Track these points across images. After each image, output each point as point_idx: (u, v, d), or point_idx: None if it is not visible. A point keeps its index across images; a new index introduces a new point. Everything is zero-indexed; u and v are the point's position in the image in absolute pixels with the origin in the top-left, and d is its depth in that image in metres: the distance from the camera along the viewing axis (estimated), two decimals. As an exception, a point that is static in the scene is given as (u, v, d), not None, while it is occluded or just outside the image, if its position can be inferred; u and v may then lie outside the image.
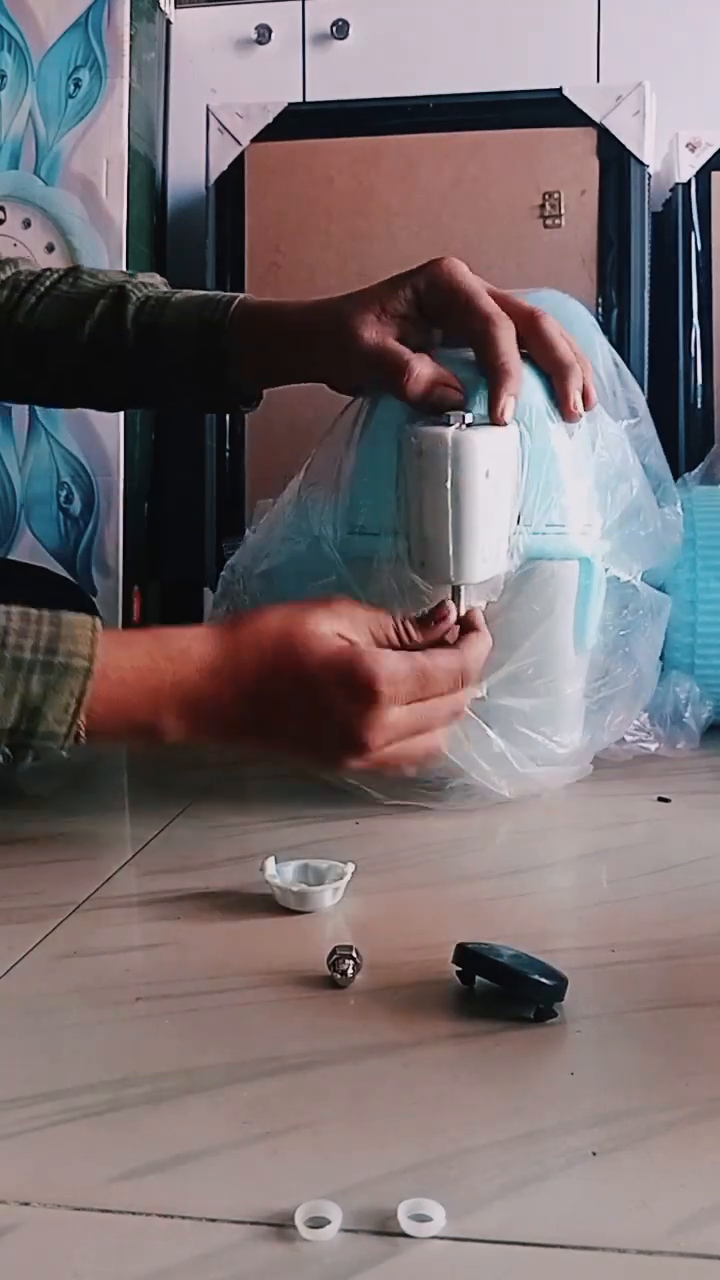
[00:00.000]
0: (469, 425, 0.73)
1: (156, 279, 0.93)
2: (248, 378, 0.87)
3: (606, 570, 0.85)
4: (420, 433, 0.73)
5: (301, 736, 0.68)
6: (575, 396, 0.79)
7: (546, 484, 0.78)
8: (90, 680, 0.61)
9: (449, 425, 0.72)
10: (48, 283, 0.91)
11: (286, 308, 0.86)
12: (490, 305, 0.77)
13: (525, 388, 0.77)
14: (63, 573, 1.45)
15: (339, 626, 0.67)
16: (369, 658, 0.66)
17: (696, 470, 1.14)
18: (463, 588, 0.73)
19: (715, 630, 0.99)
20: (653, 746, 0.94)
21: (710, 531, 1.01)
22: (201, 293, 0.89)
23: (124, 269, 0.94)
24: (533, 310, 0.78)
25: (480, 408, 0.75)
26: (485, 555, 0.74)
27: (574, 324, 1.09)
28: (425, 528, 0.73)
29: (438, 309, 0.79)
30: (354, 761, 0.68)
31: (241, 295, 0.87)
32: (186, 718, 0.65)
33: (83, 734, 0.62)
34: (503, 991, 0.53)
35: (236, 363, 0.85)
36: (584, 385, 0.81)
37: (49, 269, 0.93)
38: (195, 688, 0.64)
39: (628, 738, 0.93)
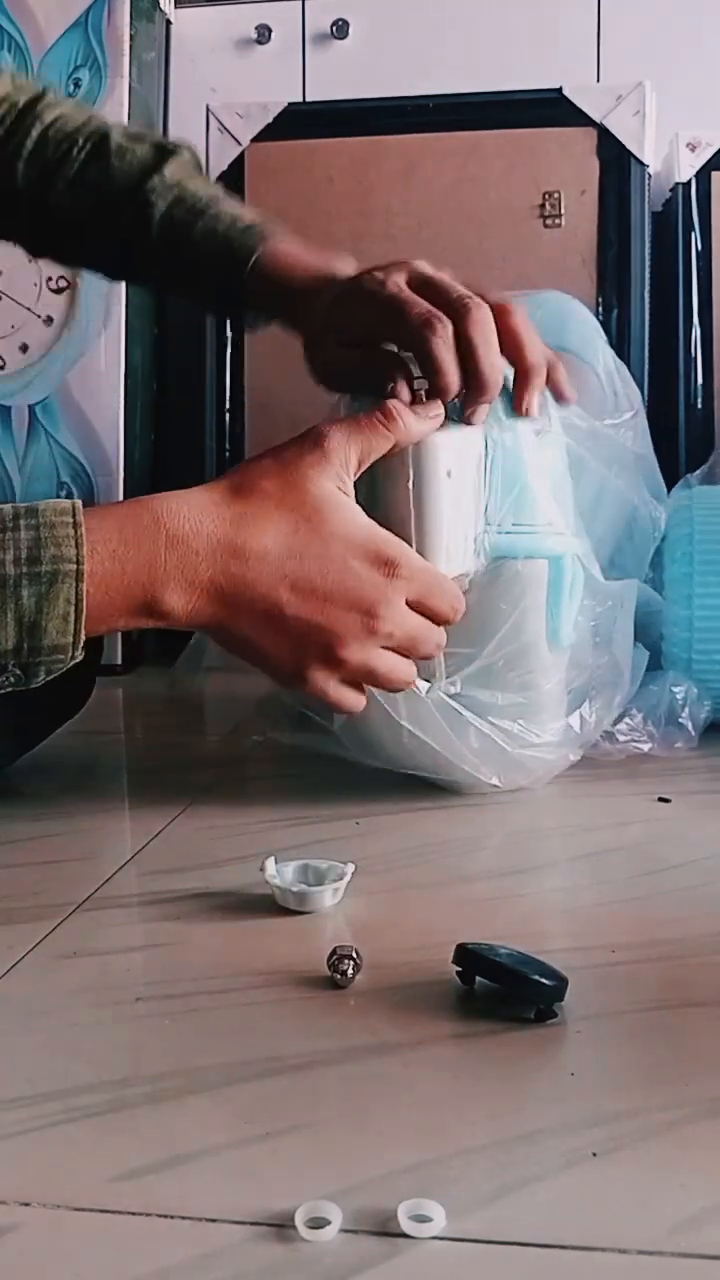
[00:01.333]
0: None
1: (187, 164, 0.91)
2: (262, 323, 0.90)
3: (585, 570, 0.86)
4: None
5: (311, 612, 0.65)
6: (530, 400, 0.79)
7: (513, 483, 0.79)
8: (83, 583, 0.58)
9: None
10: (76, 164, 0.90)
11: (293, 283, 0.85)
12: (421, 309, 0.73)
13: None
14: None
15: (344, 495, 0.67)
16: (391, 538, 0.66)
17: (699, 471, 1.14)
18: None
19: (712, 626, 0.99)
20: (645, 746, 0.94)
21: (707, 528, 1.01)
22: (224, 234, 0.87)
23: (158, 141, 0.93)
24: (503, 305, 0.77)
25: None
26: (449, 553, 0.75)
27: (575, 324, 1.10)
28: (388, 525, 0.73)
29: (378, 322, 0.76)
30: (356, 653, 0.66)
31: (262, 251, 0.85)
32: (188, 594, 0.62)
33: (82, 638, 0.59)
34: (503, 992, 0.53)
35: (252, 307, 0.88)
36: (558, 382, 0.81)
37: (76, 135, 0.91)
38: (194, 563, 0.62)
39: (621, 737, 0.94)
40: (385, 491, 0.74)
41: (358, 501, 0.69)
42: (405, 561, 0.66)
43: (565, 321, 1.10)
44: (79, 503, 0.60)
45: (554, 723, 0.86)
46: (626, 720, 0.94)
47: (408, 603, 0.67)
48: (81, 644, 0.60)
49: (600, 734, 0.91)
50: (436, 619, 0.69)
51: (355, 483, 0.71)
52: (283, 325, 0.87)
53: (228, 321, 1.49)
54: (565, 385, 0.82)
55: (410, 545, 0.73)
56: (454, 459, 0.74)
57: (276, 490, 0.65)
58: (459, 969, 0.55)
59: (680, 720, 0.96)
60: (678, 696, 0.96)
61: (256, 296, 0.86)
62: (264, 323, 0.90)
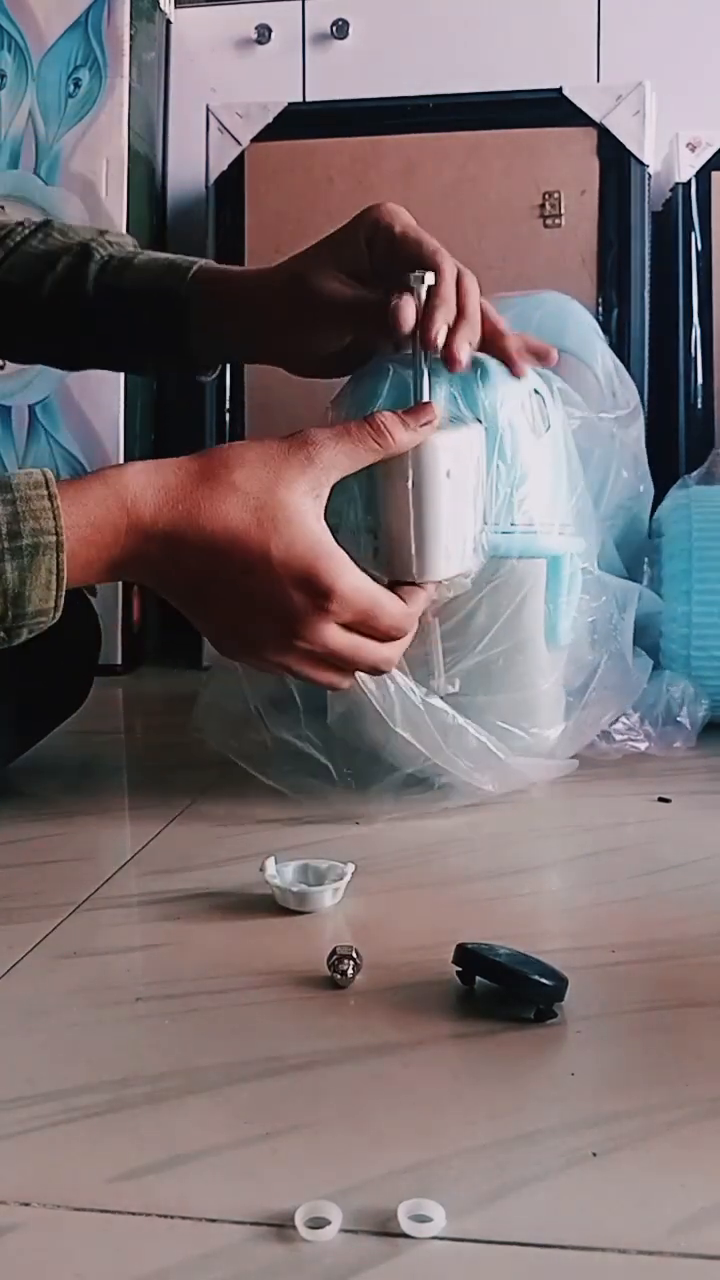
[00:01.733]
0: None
1: (126, 239, 0.93)
2: (206, 348, 0.88)
3: (585, 569, 0.87)
4: None
5: (238, 611, 0.68)
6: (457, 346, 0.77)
7: (513, 483, 0.79)
8: (63, 553, 0.62)
9: None
10: (19, 237, 0.90)
11: (246, 276, 0.86)
12: (435, 243, 0.78)
13: (496, 388, 0.79)
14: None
15: (316, 503, 0.68)
16: (333, 567, 0.67)
17: (697, 472, 1.14)
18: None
19: (710, 623, 1.00)
20: (643, 745, 0.95)
21: (705, 527, 1.02)
22: (166, 256, 0.89)
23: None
24: (458, 267, 0.79)
25: (438, 401, 0.76)
26: (449, 553, 0.75)
27: (573, 324, 1.10)
28: (388, 525, 0.75)
29: (384, 254, 0.80)
30: (274, 655, 0.69)
31: (203, 262, 0.87)
32: (142, 571, 0.67)
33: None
34: (503, 992, 0.53)
35: (196, 331, 0.86)
36: (509, 352, 0.81)
37: (22, 222, 0.92)
38: (148, 550, 0.65)
39: (617, 736, 0.94)
40: (385, 491, 0.74)
41: (361, 496, 0.71)
42: (339, 592, 0.67)
43: (564, 322, 1.10)
44: (49, 473, 0.63)
45: (551, 724, 0.86)
46: (624, 719, 0.94)
47: (347, 624, 0.69)
48: (62, 604, 0.63)
49: (596, 735, 0.91)
50: (378, 638, 0.71)
51: (355, 481, 0.72)
52: (235, 337, 0.86)
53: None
54: (512, 349, 0.81)
55: (410, 544, 0.73)
56: (453, 459, 0.74)
57: (245, 485, 0.66)
58: (459, 969, 0.55)
59: (678, 719, 0.96)
60: (675, 696, 0.97)
61: (204, 301, 0.85)
62: (213, 353, 0.89)
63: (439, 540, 0.74)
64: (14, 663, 0.79)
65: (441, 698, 0.79)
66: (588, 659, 0.90)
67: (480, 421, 0.78)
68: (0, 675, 0.84)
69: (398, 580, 0.75)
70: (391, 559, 0.75)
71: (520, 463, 0.80)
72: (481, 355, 0.81)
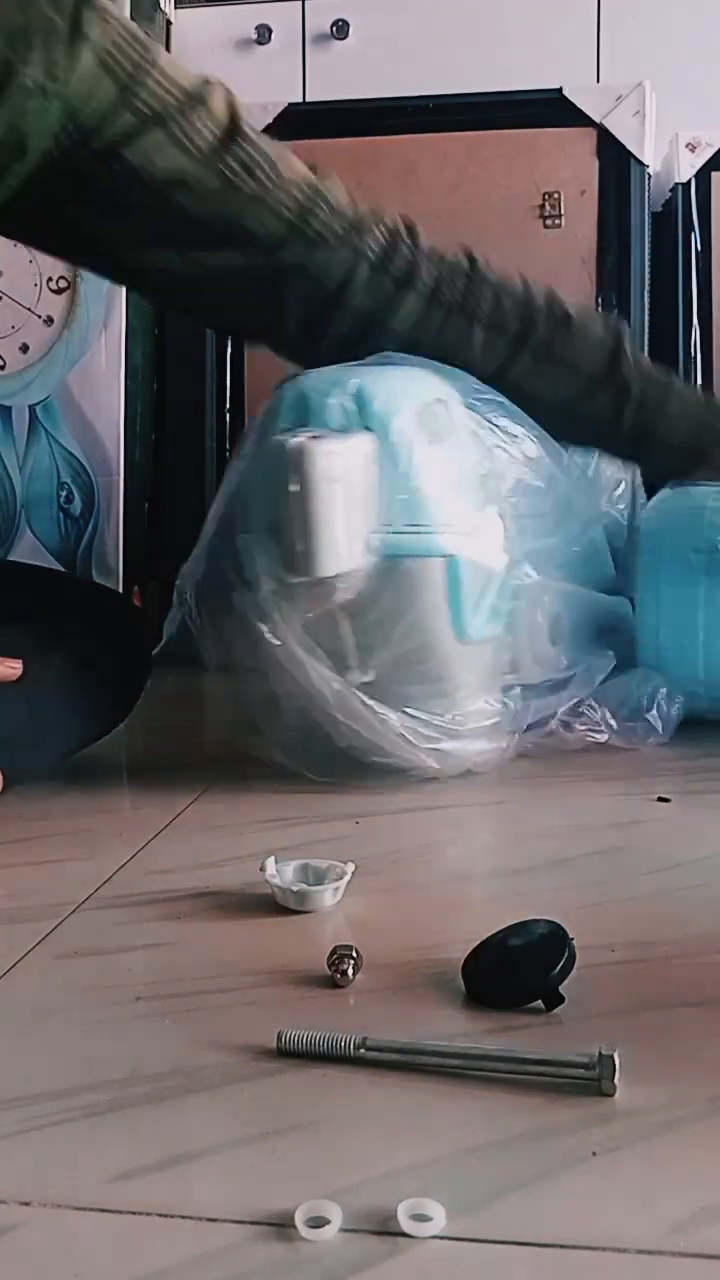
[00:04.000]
0: (318, 436, 0.81)
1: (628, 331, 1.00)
2: None
3: (509, 570, 0.91)
4: (276, 443, 0.82)
5: None
6: None
7: (406, 486, 0.85)
8: None
9: (300, 435, 0.81)
10: (457, 294, 0.95)
11: None
12: None
13: (388, 394, 0.85)
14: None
15: None
16: None
17: None
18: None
19: (679, 623, 1.00)
20: (602, 737, 0.95)
21: (674, 529, 1.02)
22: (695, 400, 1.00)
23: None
24: None
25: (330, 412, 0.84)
26: (336, 553, 0.82)
27: None
28: (283, 528, 0.82)
29: None
30: None
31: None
32: None
33: None
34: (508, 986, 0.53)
35: None
36: None
37: (455, 260, 0.96)
38: None
39: (578, 726, 0.95)
40: (278, 496, 0.81)
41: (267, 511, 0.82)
42: None
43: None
44: None
45: (479, 712, 0.89)
46: (589, 711, 0.96)
47: None
48: None
49: (532, 720, 0.94)
50: None
51: (263, 492, 0.83)
52: None
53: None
54: None
55: (298, 544, 0.81)
56: (337, 466, 0.80)
57: None
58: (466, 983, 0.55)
59: (647, 717, 0.96)
60: (646, 693, 0.97)
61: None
62: None
63: (325, 542, 0.81)
64: (70, 657, 0.85)
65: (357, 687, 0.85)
66: (549, 655, 0.96)
67: (370, 430, 0.84)
68: (59, 669, 0.88)
69: (295, 577, 0.81)
70: (288, 558, 0.82)
71: (413, 468, 0.85)
72: (368, 369, 0.87)
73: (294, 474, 0.80)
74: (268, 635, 0.84)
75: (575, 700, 0.96)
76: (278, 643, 0.84)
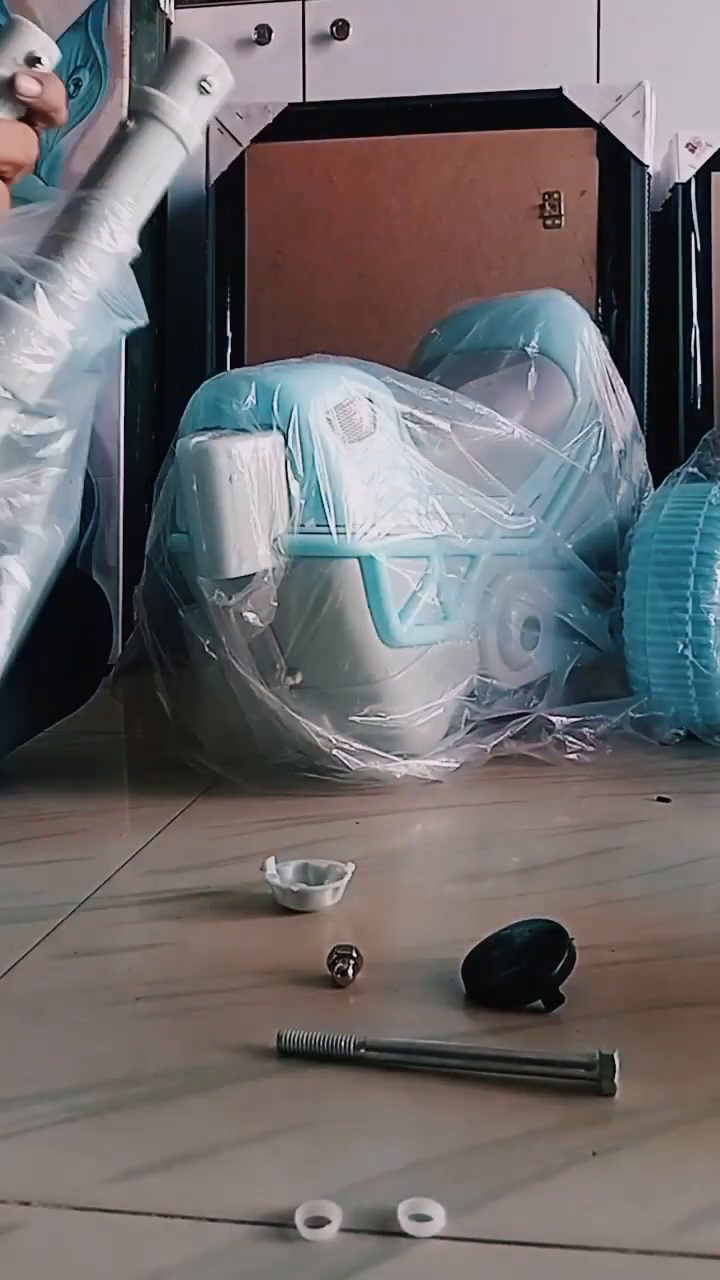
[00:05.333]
0: (221, 435, 0.81)
1: None
2: None
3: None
4: (179, 444, 0.82)
5: None
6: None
7: (314, 486, 0.84)
8: None
9: (203, 436, 0.81)
10: None
11: None
12: None
13: (300, 393, 0.84)
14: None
15: None
16: None
17: (684, 466, 1.13)
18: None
19: (660, 641, 0.98)
20: (590, 760, 0.94)
21: (661, 556, 0.99)
22: None
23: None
24: None
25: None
26: (240, 553, 0.81)
27: (552, 327, 1.12)
28: (188, 527, 0.83)
29: None
30: None
31: None
32: None
33: None
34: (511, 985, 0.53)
35: None
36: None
37: None
38: None
39: (570, 745, 0.94)
40: (180, 498, 0.83)
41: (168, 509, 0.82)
42: None
43: (563, 321, 1.12)
44: None
45: (408, 713, 0.88)
46: (588, 731, 0.95)
47: None
48: None
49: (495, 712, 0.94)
50: None
51: (162, 490, 0.84)
52: None
53: (227, 321, 1.49)
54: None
55: (201, 543, 0.81)
56: (237, 466, 0.80)
57: None
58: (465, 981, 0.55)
59: (642, 737, 0.97)
60: (638, 718, 0.97)
61: None
62: None
63: (225, 540, 0.80)
64: (25, 648, 0.79)
65: (290, 689, 0.85)
66: (524, 658, 0.97)
67: (278, 429, 0.83)
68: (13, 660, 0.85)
69: (201, 575, 0.82)
70: (195, 557, 0.82)
71: (327, 468, 0.84)
72: (286, 368, 0.87)
73: (194, 474, 0.80)
74: (206, 647, 0.84)
75: (551, 710, 0.96)
76: (215, 657, 0.84)
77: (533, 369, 1.08)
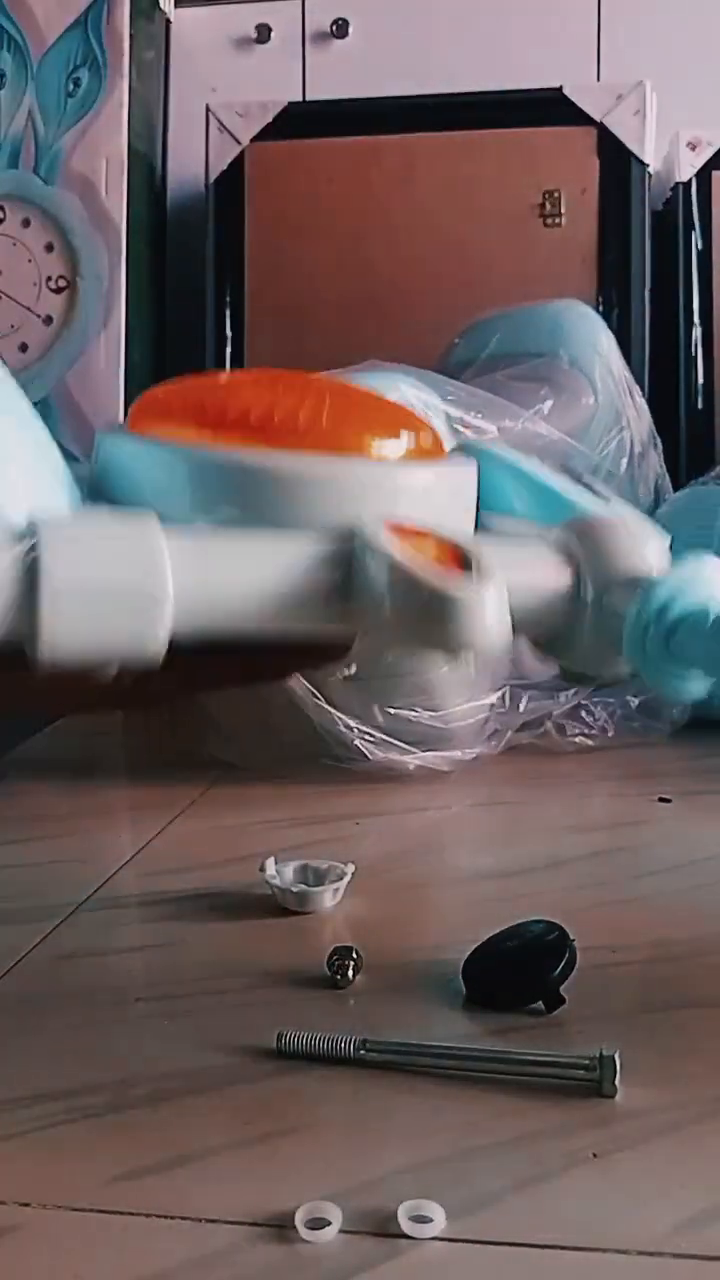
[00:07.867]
0: None
1: None
2: None
3: None
4: None
5: None
6: None
7: None
8: None
9: None
10: None
11: None
12: None
13: None
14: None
15: None
16: None
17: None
18: None
19: None
20: (592, 742, 0.95)
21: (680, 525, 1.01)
22: None
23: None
24: None
25: None
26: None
27: (572, 334, 1.12)
28: None
29: None
30: None
31: None
32: None
33: None
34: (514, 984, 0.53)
35: None
36: None
37: None
38: None
39: (571, 731, 0.94)
40: None
41: None
42: None
43: (572, 324, 1.13)
44: None
45: (457, 704, 0.88)
46: (587, 716, 0.95)
47: None
48: None
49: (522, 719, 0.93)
50: None
51: None
52: None
53: (227, 321, 1.49)
54: None
55: None
56: None
57: None
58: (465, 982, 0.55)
59: (649, 712, 0.97)
60: (641, 702, 0.97)
61: None
62: None
63: None
64: None
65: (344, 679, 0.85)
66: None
67: None
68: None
69: None
70: None
71: None
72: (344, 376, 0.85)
73: None
74: None
75: (574, 704, 0.95)
76: None
77: (556, 375, 1.09)
